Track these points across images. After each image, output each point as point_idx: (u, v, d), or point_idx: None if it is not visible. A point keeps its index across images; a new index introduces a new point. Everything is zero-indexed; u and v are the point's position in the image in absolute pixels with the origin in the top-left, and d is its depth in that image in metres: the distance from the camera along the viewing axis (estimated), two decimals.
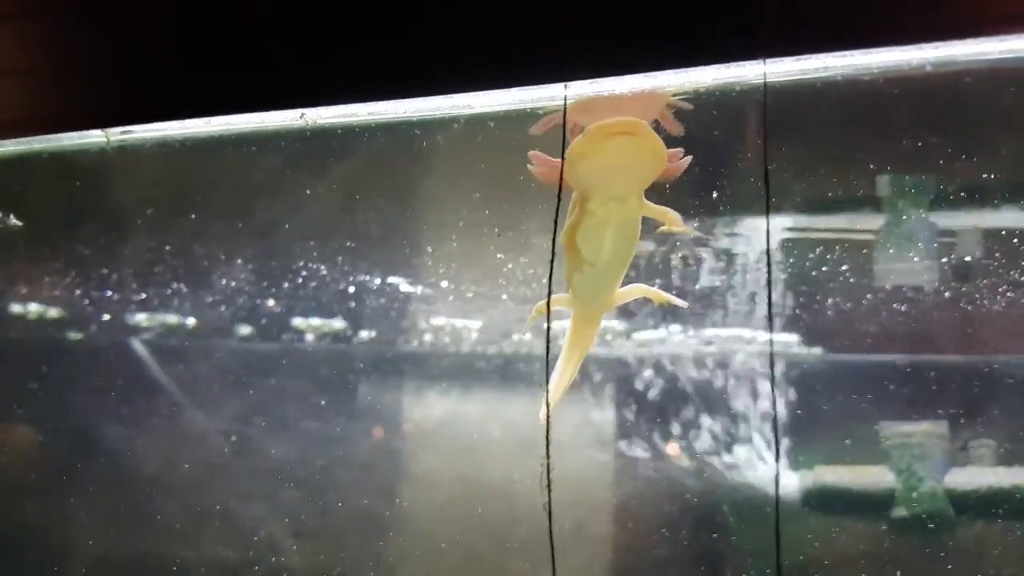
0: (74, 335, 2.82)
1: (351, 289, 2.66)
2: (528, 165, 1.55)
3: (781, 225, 2.33)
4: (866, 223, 2.26)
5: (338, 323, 2.70)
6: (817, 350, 2.34)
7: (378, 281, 2.66)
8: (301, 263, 2.65)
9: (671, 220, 1.54)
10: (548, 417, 1.52)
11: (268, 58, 1.52)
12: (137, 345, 2.77)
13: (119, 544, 2.62)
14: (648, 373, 2.50)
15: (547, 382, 1.55)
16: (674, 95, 1.49)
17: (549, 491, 1.41)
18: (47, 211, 2.64)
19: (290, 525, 2.57)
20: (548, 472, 1.40)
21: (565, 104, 1.43)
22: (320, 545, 2.56)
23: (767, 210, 1.51)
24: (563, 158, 1.45)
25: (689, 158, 1.50)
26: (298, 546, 2.56)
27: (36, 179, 2.49)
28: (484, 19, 1.40)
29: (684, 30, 1.32)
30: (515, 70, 1.40)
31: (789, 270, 2.34)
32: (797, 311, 2.33)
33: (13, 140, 1.81)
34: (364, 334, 2.72)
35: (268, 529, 2.56)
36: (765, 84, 1.36)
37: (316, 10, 1.48)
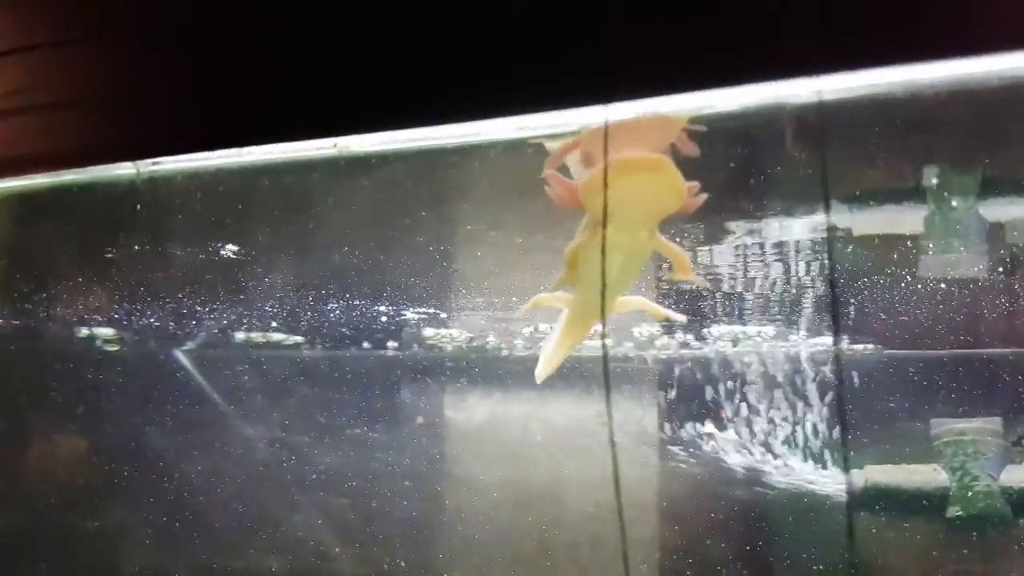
0: (117, 349, 2.85)
1: (388, 301, 2.67)
2: (545, 186, 1.56)
3: (824, 222, 2.29)
4: (912, 216, 2.21)
5: (376, 335, 2.70)
6: (865, 347, 2.29)
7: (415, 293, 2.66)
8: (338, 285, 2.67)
9: (679, 264, 1.56)
10: (610, 423, 1.52)
11: (299, 88, 1.51)
12: (182, 357, 2.79)
13: (166, 556, 2.65)
14: (692, 374, 2.47)
15: (608, 408, 1.54)
16: (691, 119, 1.48)
17: (618, 494, 1.39)
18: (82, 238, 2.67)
19: (339, 533, 2.58)
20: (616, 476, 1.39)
21: (607, 125, 1.40)
22: (369, 553, 2.57)
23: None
24: (605, 183, 1.43)
25: (704, 195, 1.50)
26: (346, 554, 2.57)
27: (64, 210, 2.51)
28: (514, 41, 1.39)
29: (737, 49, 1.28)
30: (551, 93, 1.37)
31: (836, 267, 2.29)
32: (844, 308, 2.29)
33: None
34: (399, 343, 2.73)
35: (317, 537, 2.58)
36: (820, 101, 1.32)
37: (347, 41, 1.47)
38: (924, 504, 2.13)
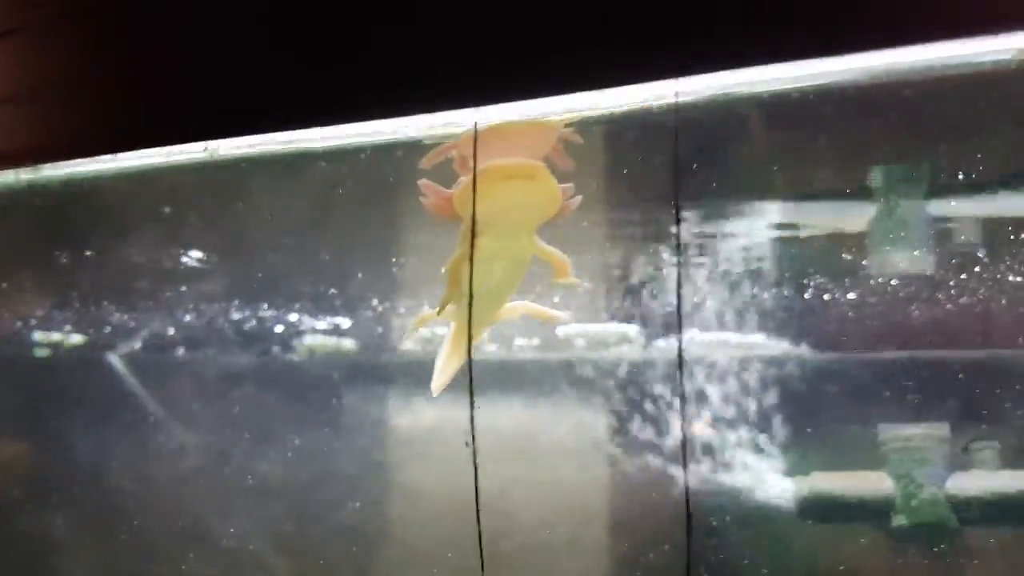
0: (53, 351, 2.77)
1: (332, 302, 2.59)
2: (420, 196, 1.53)
3: (768, 220, 2.23)
4: (857, 215, 2.15)
5: (320, 336, 2.63)
6: (809, 350, 2.23)
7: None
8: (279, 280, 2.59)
9: (560, 268, 1.54)
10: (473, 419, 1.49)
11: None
12: (117, 361, 2.71)
13: (99, 564, 2.57)
14: (631, 377, 2.40)
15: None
16: (566, 125, 1.46)
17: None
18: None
19: (273, 542, 2.50)
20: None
21: (476, 130, 1.37)
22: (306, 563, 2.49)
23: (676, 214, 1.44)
24: (475, 189, 1.41)
25: (579, 197, 1.49)
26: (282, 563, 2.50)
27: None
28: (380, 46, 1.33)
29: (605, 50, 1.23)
30: (420, 97, 1.32)
31: (778, 267, 2.23)
32: (787, 310, 2.23)
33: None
34: (345, 344, 2.65)
35: (252, 546, 2.50)
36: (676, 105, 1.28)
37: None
38: (870, 512, 2.07)
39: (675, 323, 2.33)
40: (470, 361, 1.47)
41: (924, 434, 2.06)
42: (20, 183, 1.80)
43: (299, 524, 2.52)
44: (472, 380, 1.37)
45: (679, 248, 1.88)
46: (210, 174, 1.88)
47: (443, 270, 1.55)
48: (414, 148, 1.53)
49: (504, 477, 2.45)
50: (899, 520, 2.03)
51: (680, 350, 1.91)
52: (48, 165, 1.73)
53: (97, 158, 1.66)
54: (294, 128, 1.46)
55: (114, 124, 1.67)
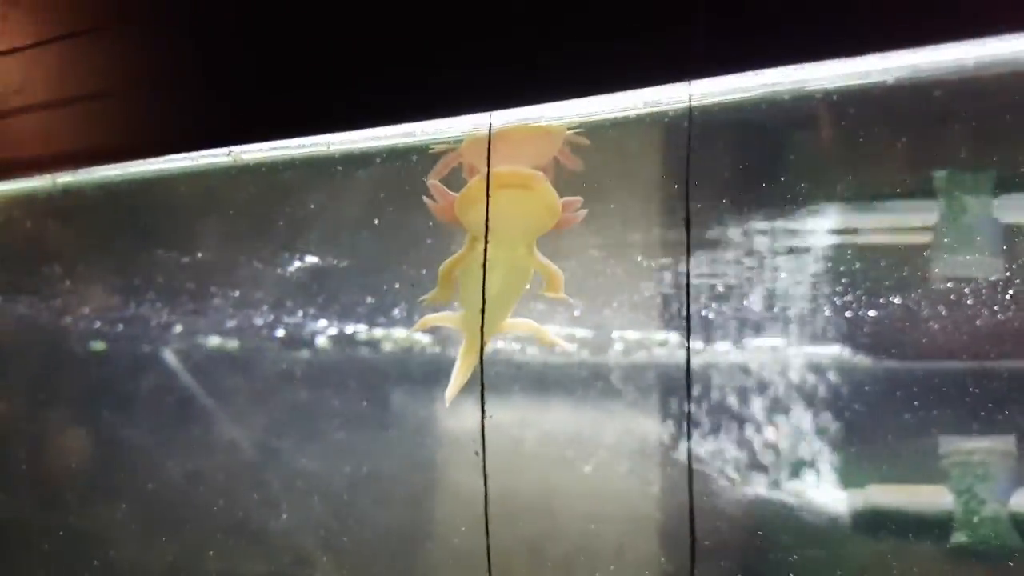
0: (105, 345, 2.81)
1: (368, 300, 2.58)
2: (425, 197, 1.51)
3: (828, 226, 2.15)
4: (921, 220, 2.06)
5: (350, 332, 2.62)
6: (868, 359, 2.15)
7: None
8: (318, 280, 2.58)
9: (552, 282, 1.51)
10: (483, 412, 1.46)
11: None
12: (171, 356, 2.74)
13: (147, 557, 2.60)
14: (698, 382, 2.34)
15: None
16: (570, 128, 1.43)
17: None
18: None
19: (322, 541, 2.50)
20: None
21: (490, 132, 1.34)
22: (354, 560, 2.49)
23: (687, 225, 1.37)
24: (488, 195, 1.38)
25: (584, 211, 1.47)
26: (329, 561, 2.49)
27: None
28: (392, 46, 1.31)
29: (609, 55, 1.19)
30: (440, 102, 1.30)
31: (838, 274, 2.16)
32: (847, 317, 2.15)
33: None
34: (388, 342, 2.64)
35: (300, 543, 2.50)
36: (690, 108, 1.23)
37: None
38: (927, 528, 1.98)
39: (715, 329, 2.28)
40: (481, 368, 1.44)
41: (988, 448, 1.97)
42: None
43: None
44: (483, 388, 1.34)
45: (688, 253, 1.80)
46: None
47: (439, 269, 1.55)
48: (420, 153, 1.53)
49: (546, 481, 2.42)
50: (958, 537, 1.94)
51: (688, 358, 1.83)
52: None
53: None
54: (317, 132, 1.46)
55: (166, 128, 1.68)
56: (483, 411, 1.31)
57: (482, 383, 1.34)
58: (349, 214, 2.33)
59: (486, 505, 1.29)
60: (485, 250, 1.37)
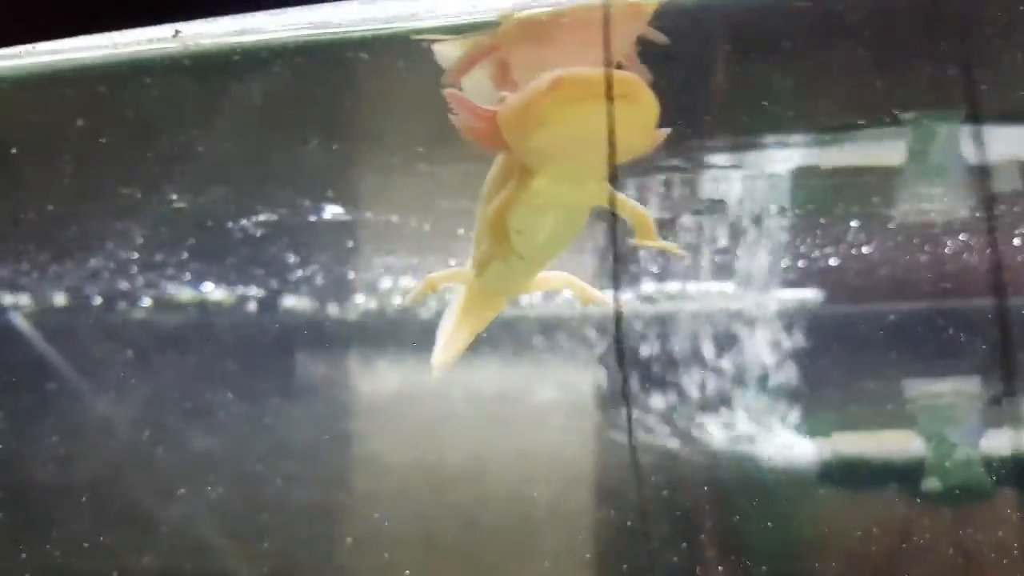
0: None
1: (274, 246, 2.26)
2: (448, 112, 1.14)
3: (783, 158, 2.02)
4: (882, 155, 1.96)
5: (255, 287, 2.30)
6: (828, 300, 2.06)
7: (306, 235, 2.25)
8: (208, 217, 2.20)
9: (642, 225, 1.15)
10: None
11: None
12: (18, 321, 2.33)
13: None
14: (634, 332, 2.19)
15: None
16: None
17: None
18: None
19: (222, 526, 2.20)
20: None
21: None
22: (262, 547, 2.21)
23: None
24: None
25: (667, 130, 1.08)
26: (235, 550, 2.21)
27: None
28: None
29: None
30: None
31: (795, 210, 2.04)
32: (805, 257, 2.05)
33: None
34: (291, 299, 2.33)
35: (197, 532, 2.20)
36: None
37: None
38: (897, 475, 1.93)
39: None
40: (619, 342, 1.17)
41: (954, 390, 1.92)
42: None
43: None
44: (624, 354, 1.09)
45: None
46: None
47: (482, 219, 1.19)
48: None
49: None
50: (931, 483, 1.89)
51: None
52: None
53: None
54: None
55: None
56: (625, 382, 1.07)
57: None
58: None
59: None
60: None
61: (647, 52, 1.16)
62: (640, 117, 1.00)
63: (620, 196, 1.15)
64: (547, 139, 1.02)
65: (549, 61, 1.03)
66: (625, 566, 2.21)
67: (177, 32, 1.23)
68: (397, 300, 2.31)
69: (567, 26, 1.08)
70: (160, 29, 1.23)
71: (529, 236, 1.15)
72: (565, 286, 1.40)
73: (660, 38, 1.14)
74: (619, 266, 1.20)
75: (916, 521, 1.91)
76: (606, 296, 1.40)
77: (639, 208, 1.16)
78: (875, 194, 1.97)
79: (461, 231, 2.10)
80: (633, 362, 2.16)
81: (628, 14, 1.07)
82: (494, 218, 1.12)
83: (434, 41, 1.22)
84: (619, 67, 1.07)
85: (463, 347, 1.44)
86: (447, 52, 1.20)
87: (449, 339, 1.46)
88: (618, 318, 1.41)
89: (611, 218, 1.17)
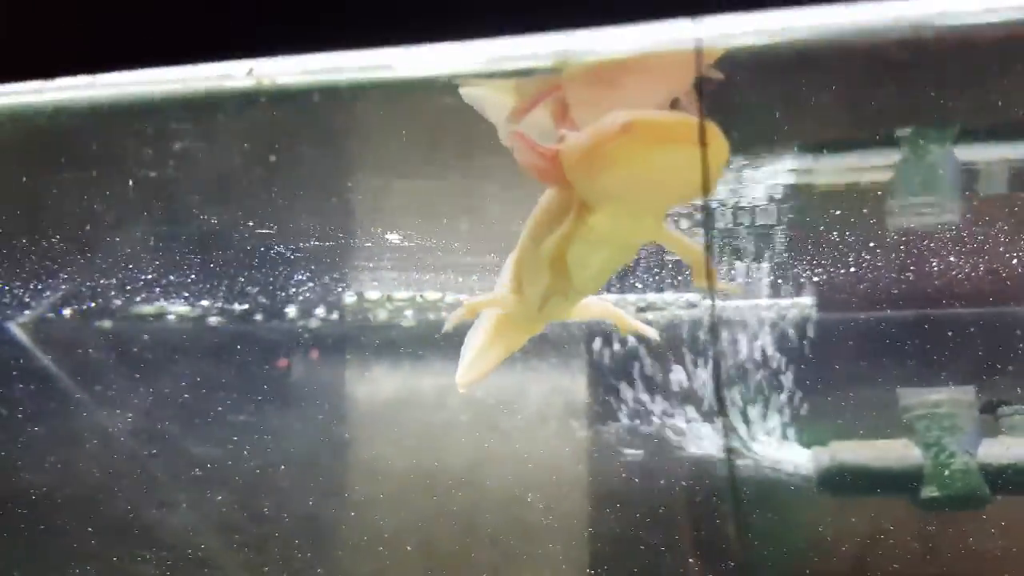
0: None
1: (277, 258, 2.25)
2: (506, 145, 1.19)
3: (782, 169, 2.03)
4: (878, 165, 1.97)
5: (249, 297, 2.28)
6: (826, 309, 2.07)
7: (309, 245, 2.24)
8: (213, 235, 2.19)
9: (697, 264, 1.16)
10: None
11: None
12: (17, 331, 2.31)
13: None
14: (628, 339, 2.20)
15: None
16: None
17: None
18: None
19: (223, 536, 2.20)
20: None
21: (699, 49, 1.01)
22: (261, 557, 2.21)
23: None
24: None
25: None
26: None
27: None
28: None
29: None
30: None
31: (792, 219, 2.04)
32: (802, 266, 2.05)
33: None
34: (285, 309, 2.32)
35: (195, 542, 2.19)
36: None
37: None
38: (896, 484, 1.94)
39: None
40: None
41: (951, 399, 1.93)
42: None
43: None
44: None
45: None
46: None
47: (526, 248, 1.23)
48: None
49: None
50: (930, 491, 1.91)
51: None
52: None
53: None
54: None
55: None
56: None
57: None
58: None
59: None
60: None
61: None
62: (714, 162, 1.02)
63: (676, 234, 1.18)
64: (613, 179, 1.04)
65: (609, 102, 1.06)
66: (622, 571, 2.22)
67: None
68: (389, 310, 2.31)
69: (631, 70, 1.10)
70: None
71: (580, 269, 1.17)
72: (604, 315, 1.41)
73: (717, 76, 1.15)
74: (712, 279, 1.18)
75: (915, 529, 1.93)
76: (644, 327, 1.42)
77: (695, 246, 1.17)
78: (871, 203, 1.98)
79: (456, 245, 2.12)
80: (628, 370, 2.17)
81: (681, 61, 1.08)
82: (555, 254, 1.14)
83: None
84: (674, 106, 1.12)
85: (491, 368, 1.47)
86: (476, 95, 1.21)
87: (477, 358, 1.48)
88: (714, 327, 1.43)
89: (706, 232, 1.20)
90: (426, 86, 1.36)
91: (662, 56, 1.07)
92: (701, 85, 1.07)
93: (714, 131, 0.99)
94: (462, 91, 1.23)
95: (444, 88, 1.27)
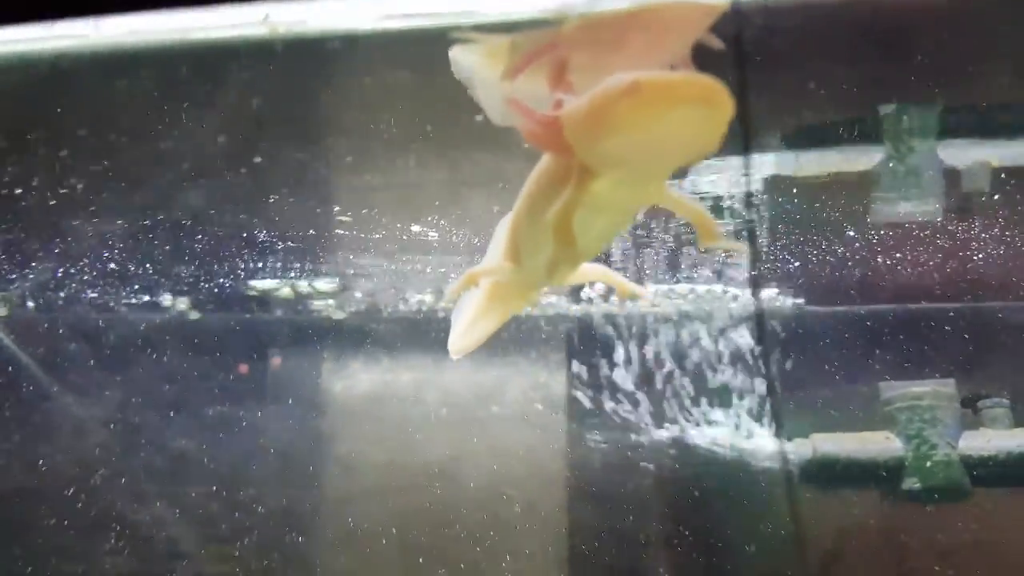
0: None
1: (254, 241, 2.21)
2: (497, 123, 1.14)
3: (765, 163, 2.03)
4: (861, 159, 1.97)
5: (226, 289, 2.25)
6: (807, 302, 2.07)
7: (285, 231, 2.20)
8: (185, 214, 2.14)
9: (704, 226, 1.12)
10: None
11: None
12: None
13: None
14: (607, 333, 2.19)
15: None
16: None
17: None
18: None
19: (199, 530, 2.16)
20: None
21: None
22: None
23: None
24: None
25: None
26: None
27: None
28: None
29: None
30: None
31: (774, 213, 2.04)
32: (784, 259, 2.05)
33: None
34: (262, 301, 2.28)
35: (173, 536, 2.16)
36: None
37: None
38: (877, 476, 1.94)
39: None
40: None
41: (933, 392, 1.94)
42: None
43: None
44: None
45: None
46: None
47: (522, 215, 1.18)
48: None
49: None
50: (911, 483, 1.92)
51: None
52: None
53: None
54: None
55: None
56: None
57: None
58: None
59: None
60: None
61: None
62: (717, 121, 0.98)
63: (678, 195, 1.14)
64: (620, 143, 0.99)
65: (610, 62, 1.02)
66: (601, 566, 2.21)
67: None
68: (371, 300, 2.29)
69: (631, 27, 1.05)
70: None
71: (580, 234, 1.11)
72: (601, 278, 1.40)
73: (716, 43, 1.11)
74: (758, 269, 1.14)
75: (896, 520, 1.93)
76: (639, 288, 1.38)
77: (699, 207, 1.14)
78: (853, 195, 1.98)
79: (434, 235, 2.09)
80: (610, 362, 2.16)
81: (697, 16, 1.04)
82: (559, 222, 1.09)
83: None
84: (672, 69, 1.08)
85: (485, 336, 1.42)
86: (462, 58, 1.17)
87: (471, 325, 1.43)
88: (760, 318, 1.40)
89: (748, 224, 1.16)
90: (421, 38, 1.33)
91: (663, 16, 1.03)
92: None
93: (721, 90, 0.95)
94: (453, 56, 1.19)
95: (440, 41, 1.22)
